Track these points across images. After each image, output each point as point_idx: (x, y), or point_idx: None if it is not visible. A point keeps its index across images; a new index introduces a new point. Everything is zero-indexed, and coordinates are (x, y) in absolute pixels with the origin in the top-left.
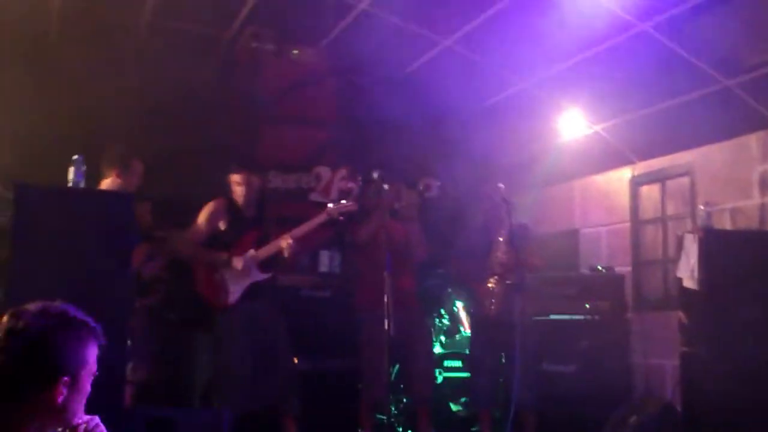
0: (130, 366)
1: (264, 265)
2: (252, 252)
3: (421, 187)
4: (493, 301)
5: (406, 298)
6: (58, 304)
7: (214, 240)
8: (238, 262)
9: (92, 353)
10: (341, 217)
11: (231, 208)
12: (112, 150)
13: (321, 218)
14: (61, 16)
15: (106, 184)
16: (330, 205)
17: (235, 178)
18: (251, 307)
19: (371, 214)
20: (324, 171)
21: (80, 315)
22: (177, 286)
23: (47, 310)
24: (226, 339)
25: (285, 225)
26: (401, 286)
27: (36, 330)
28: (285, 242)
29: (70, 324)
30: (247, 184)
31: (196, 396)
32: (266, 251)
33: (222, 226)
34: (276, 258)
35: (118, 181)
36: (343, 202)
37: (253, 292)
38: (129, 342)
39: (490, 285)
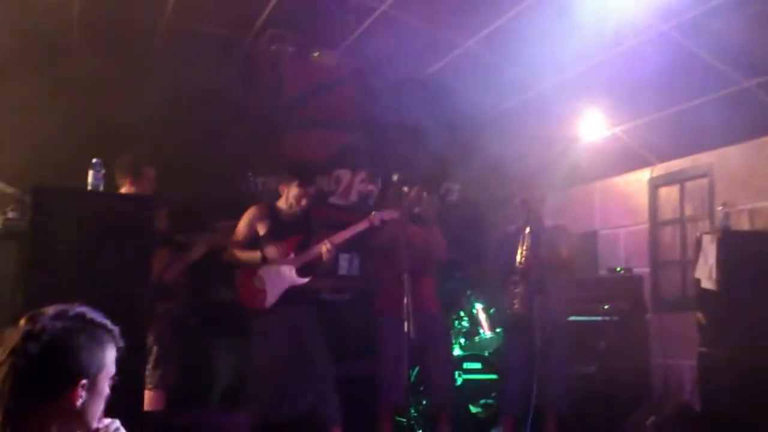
0: (159, 372)
1: (302, 269)
2: (291, 256)
3: (441, 192)
4: (515, 301)
5: (426, 301)
6: (75, 307)
7: (254, 245)
8: (271, 252)
9: (110, 356)
10: (381, 225)
11: (271, 213)
12: (124, 159)
13: (363, 225)
14: (81, 20)
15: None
16: (373, 213)
17: (298, 191)
18: (290, 312)
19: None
20: (344, 174)
21: (98, 317)
22: (197, 291)
23: (65, 313)
24: (259, 342)
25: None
26: (421, 289)
27: (54, 333)
28: (324, 248)
29: (87, 327)
30: (299, 192)
31: (215, 401)
32: (305, 257)
33: (261, 230)
34: (315, 263)
35: (132, 188)
36: (384, 212)
37: (293, 297)
38: (156, 348)
39: (514, 287)
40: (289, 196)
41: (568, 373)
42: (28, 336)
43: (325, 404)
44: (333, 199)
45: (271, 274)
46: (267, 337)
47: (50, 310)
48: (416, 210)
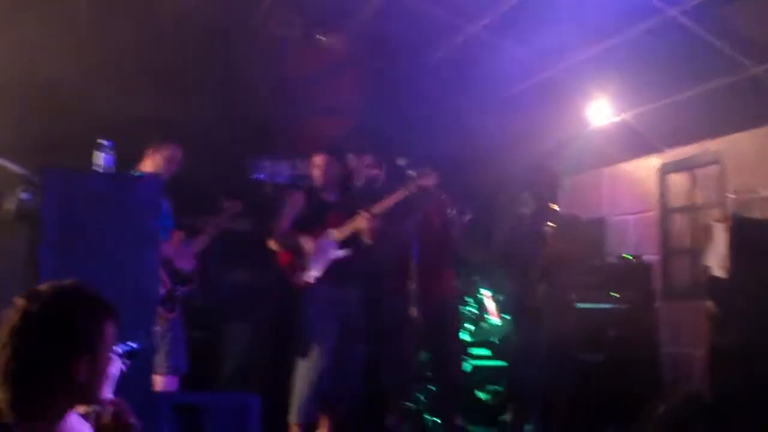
0: (172, 358)
1: (343, 243)
2: (331, 230)
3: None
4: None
5: (441, 286)
6: (69, 283)
7: (298, 226)
8: (307, 243)
9: (109, 330)
10: (420, 191)
11: (309, 194)
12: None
13: (401, 194)
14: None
15: (144, 165)
16: (412, 178)
17: (315, 161)
18: (338, 293)
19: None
20: (349, 158)
21: (93, 292)
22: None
23: (61, 290)
24: (306, 320)
25: None
26: (437, 274)
27: (51, 310)
28: (363, 219)
29: (84, 301)
30: (327, 166)
31: (224, 383)
32: (345, 230)
33: (302, 210)
34: (356, 236)
35: (149, 161)
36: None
37: (341, 278)
38: (171, 334)
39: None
40: (313, 170)
41: (573, 361)
42: (26, 315)
43: (345, 384)
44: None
45: (315, 250)
46: (315, 312)
47: (44, 288)
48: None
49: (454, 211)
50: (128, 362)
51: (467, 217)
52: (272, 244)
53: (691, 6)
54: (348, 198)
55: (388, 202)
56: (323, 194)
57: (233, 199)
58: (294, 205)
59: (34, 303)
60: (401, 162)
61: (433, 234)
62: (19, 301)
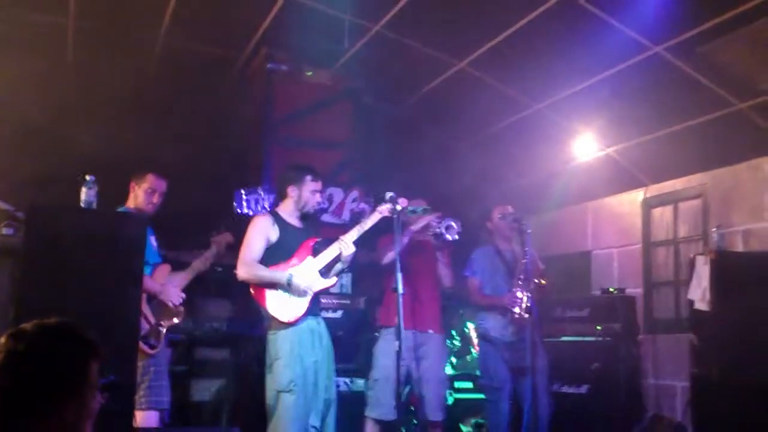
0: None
1: (324, 272)
2: (311, 260)
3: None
4: (521, 310)
5: (425, 320)
6: (54, 322)
7: (270, 254)
8: (300, 280)
9: (93, 368)
10: (394, 216)
11: (278, 220)
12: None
13: (375, 218)
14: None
15: (129, 200)
16: (385, 203)
17: (315, 185)
18: (315, 321)
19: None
20: (336, 192)
21: (78, 331)
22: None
23: (47, 330)
24: (285, 357)
25: None
26: (421, 308)
27: (38, 351)
28: (341, 245)
29: (70, 342)
30: (310, 185)
31: (206, 417)
32: (324, 258)
33: (273, 238)
34: (334, 263)
35: (133, 194)
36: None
37: (317, 308)
38: (153, 369)
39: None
40: (302, 195)
41: (549, 393)
42: (11, 354)
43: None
44: (325, 217)
45: (298, 283)
46: (294, 350)
47: (29, 326)
48: (423, 234)
49: (442, 227)
50: (106, 395)
51: (455, 231)
52: (248, 274)
53: (675, 43)
54: (315, 223)
55: (362, 227)
56: (293, 220)
57: (223, 232)
58: (265, 227)
59: (20, 342)
60: (388, 196)
61: (419, 268)
62: (4, 340)
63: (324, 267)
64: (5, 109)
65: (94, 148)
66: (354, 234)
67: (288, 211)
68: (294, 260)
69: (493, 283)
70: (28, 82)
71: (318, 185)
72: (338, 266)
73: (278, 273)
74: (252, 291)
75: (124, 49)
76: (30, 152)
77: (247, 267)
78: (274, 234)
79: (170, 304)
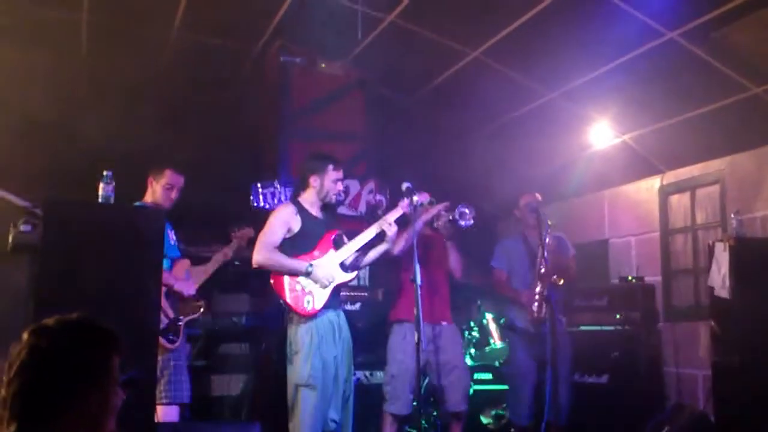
0: (174, 388)
1: (344, 265)
2: (332, 252)
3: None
4: (535, 310)
5: (436, 312)
6: (76, 317)
7: (292, 244)
8: (320, 270)
9: (115, 362)
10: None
11: (300, 210)
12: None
13: (396, 213)
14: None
15: (147, 195)
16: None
17: (337, 174)
18: (335, 314)
19: (407, 225)
20: (352, 184)
21: (100, 325)
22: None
23: (69, 325)
24: (305, 351)
25: None
26: (432, 300)
27: (62, 346)
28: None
29: (93, 336)
30: (332, 174)
31: (226, 412)
32: (346, 251)
33: (295, 228)
34: (367, 250)
35: (151, 189)
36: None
37: (335, 298)
38: (173, 364)
39: (536, 295)
40: (324, 184)
41: (570, 383)
42: (35, 350)
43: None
44: (342, 209)
45: (318, 274)
46: (314, 343)
47: (51, 322)
48: (435, 224)
49: (456, 214)
50: (126, 390)
51: (469, 216)
52: (266, 261)
53: (690, 28)
54: (336, 215)
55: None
56: (315, 211)
57: (244, 228)
58: (288, 216)
59: (43, 339)
60: (404, 187)
61: (432, 257)
62: (27, 336)
63: (349, 258)
64: (18, 103)
65: (107, 142)
66: (391, 216)
67: (310, 201)
68: (316, 252)
69: (519, 273)
70: (41, 76)
71: (340, 174)
72: (371, 254)
73: (297, 261)
74: (272, 281)
75: (137, 43)
76: (42, 146)
77: (267, 252)
78: (296, 224)
79: (184, 293)
